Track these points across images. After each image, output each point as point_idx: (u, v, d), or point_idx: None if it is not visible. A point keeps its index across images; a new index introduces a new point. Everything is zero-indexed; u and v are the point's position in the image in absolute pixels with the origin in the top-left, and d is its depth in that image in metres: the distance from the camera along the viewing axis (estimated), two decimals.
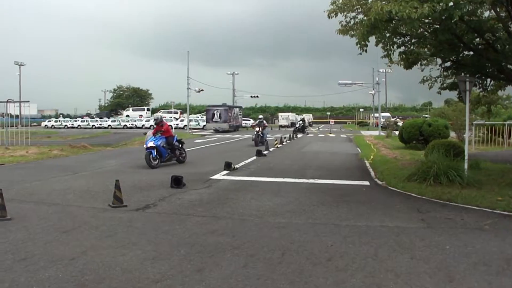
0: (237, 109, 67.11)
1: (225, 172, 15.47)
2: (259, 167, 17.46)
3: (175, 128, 57.89)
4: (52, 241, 6.69)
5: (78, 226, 7.56)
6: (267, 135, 30.19)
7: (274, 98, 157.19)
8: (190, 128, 58.77)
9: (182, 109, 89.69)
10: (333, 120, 67.43)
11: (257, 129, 29.62)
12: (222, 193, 11.32)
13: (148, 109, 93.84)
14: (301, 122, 59.28)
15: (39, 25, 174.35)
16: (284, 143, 32.49)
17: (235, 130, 60.19)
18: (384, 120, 56.95)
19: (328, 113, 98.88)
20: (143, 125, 72.79)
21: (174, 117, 75.41)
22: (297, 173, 15.47)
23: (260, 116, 32.39)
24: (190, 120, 62.65)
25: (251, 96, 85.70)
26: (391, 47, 12.72)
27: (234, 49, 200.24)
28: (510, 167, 14.85)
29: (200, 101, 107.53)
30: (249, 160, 20.14)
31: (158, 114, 18.24)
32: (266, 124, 30.74)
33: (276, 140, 31.93)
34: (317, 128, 65.22)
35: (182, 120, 69.03)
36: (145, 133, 18.11)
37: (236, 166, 17.05)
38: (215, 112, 59.72)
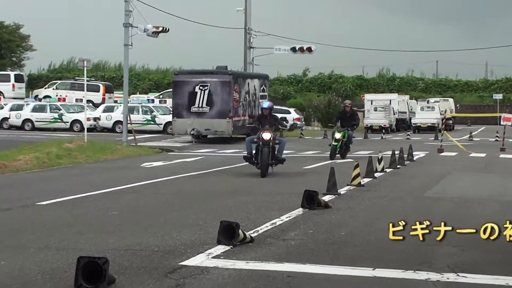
0: (256, 81, 46.11)
1: (222, 248, 11.33)
2: (310, 235, 12.94)
3: (91, 129, 40.87)
4: None
5: None
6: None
7: (351, 55, 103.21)
8: (130, 131, 38.63)
9: (110, 79, 67.04)
10: (509, 116, 40.36)
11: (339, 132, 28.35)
12: None
13: (18, 76, 63.75)
14: None
15: None
16: (378, 175, 22.67)
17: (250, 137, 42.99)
18: None
19: (498, 97, 70.27)
20: (5, 119, 51.01)
21: (88, 102, 49.07)
22: (412, 254, 11.01)
23: (348, 102, 30.35)
24: (131, 110, 41.27)
25: (293, 50, 52.33)
26: None
27: None
28: None
29: (161, 61, 71.81)
30: (286, 216, 14.43)
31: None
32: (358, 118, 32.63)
33: (356, 166, 20.33)
34: (468, 136, 51.58)
35: (107, 110, 48.08)
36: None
37: (250, 233, 12.43)
38: (197, 88, 38.48)
